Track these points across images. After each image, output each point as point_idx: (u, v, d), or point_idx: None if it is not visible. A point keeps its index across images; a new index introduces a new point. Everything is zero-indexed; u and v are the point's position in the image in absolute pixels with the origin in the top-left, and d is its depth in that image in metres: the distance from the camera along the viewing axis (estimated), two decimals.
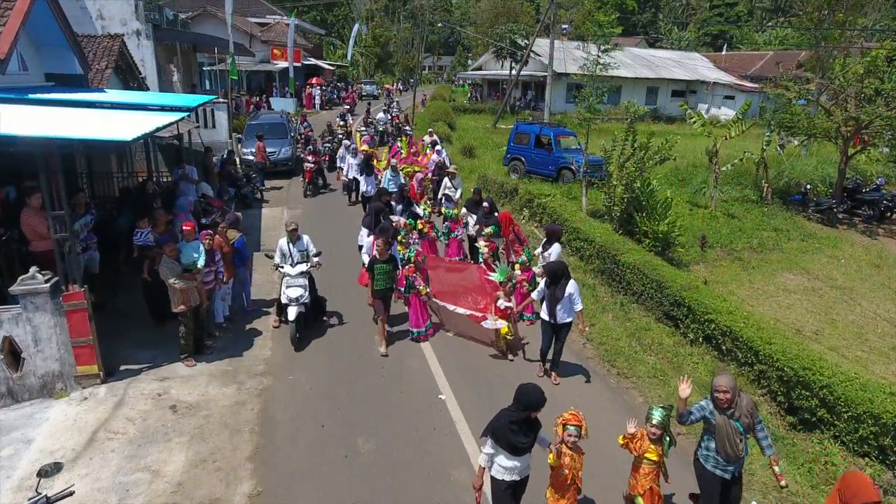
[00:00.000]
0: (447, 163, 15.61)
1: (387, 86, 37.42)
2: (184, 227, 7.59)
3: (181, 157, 12.99)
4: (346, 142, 17.06)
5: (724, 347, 8.30)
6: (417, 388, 7.36)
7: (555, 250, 9.15)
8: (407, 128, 21.48)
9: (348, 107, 29.92)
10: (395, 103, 30.82)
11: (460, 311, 8.51)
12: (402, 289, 8.47)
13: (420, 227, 10.62)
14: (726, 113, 34.65)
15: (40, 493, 3.62)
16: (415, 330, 8.60)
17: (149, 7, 18.53)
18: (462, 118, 33.99)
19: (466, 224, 11.33)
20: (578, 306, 7.38)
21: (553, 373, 7.77)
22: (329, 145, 18.83)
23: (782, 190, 18.64)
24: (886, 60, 15.78)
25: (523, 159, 19.68)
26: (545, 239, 9.52)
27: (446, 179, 13.21)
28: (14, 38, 9.28)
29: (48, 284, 6.53)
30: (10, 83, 9.59)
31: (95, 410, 6.57)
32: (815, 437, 6.89)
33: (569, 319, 7.44)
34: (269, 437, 6.26)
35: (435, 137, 18.42)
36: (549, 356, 7.78)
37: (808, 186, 17.91)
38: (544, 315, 7.55)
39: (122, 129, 6.83)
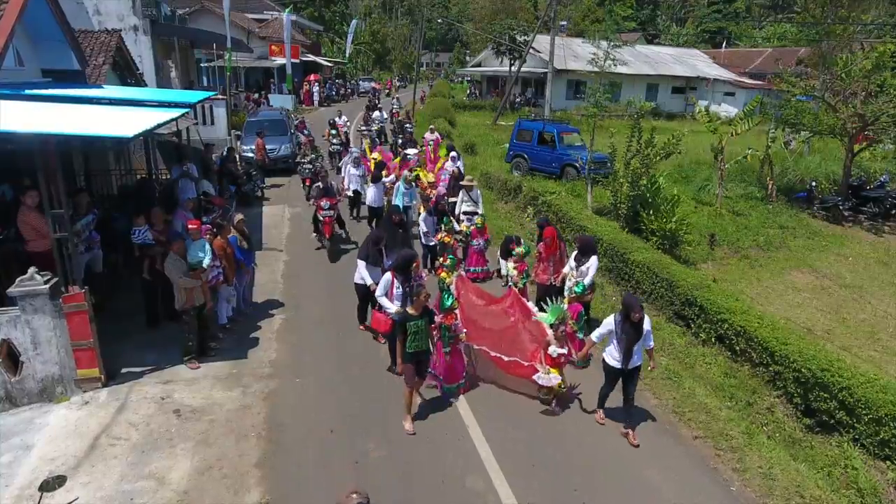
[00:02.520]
0: (461, 171, 13.40)
1: (374, 84, 36.42)
2: (189, 226, 7.40)
3: (182, 155, 12.76)
4: (351, 148, 15.88)
5: (737, 348, 8.15)
6: (429, 391, 7.14)
7: (592, 266, 8.24)
8: (408, 125, 20.67)
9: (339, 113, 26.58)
10: (395, 99, 30.54)
11: (503, 357, 7.04)
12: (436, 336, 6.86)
13: (445, 239, 9.98)
14: (727, 110, 34.50)
15: None
16: (451, 385, 7.05)
17: (146, 2, 18.27)
18: (462, 115, 33.76)
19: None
20: (650, 344, 6.43)
21: (630, 431, 6.46)
22: (310, 166, 15.21)
23: (787, 187, 18.51)
24: (893, 57, 15.64)
25: (526, 156, 19.47)
26: (576, 252, 8.43)
27: (462, 193, 11.71)
28: (10, 32, 9.06)
29: (47, 286, 6.33)
30: (6, 79, 9.36)
31: (97, 415, 6.38)
32: (834, 441, 6.75)
33: (640, 362, 6.40)
34: (276, 443, 6.08)
35: (454, 153, 14.68)
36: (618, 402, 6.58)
37: (813, 184, 17.79)
38: (611, 360, 6.36)
39: (124, 125, 6.63)
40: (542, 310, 7.50)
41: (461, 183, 11.97)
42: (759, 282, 12.27)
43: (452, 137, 23.81)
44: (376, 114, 23.62)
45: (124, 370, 7.22)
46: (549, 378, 6.67)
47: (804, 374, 7.03)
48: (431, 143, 17.65)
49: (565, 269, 8.64)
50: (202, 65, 33.90)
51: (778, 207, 16.86)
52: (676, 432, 6.75)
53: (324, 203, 11.41)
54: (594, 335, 6.56)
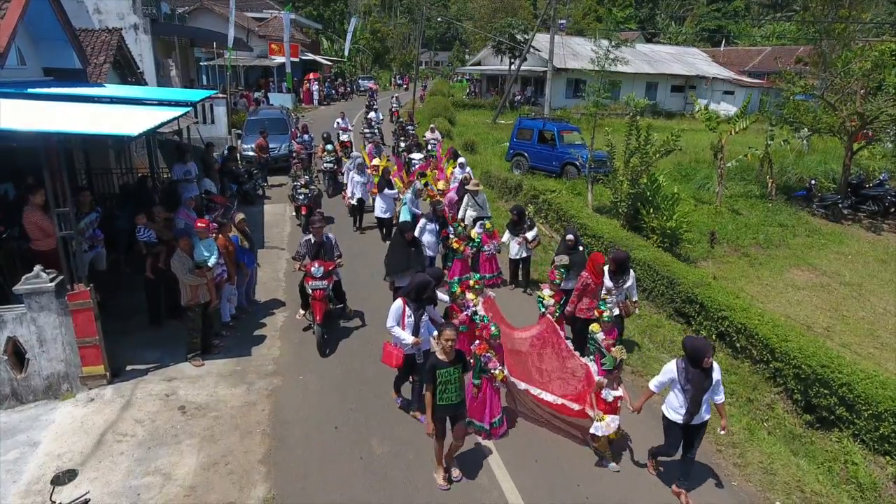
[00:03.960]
0: (470, 176, 12.93)
1: (371, 84, 35.60)
2: (198, 225, 7.43)
3: (183, 154, 12.78)
4: (354, 153, 14.57)
5: (738, 345, 8.21)
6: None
7: (632, 284, 7.68)
8: (410, 127, 20.20)
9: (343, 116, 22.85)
10: (395, 98, 30.49)
11: (546, 397, 6.30)
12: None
13: (455, 245, 9.60)
14: (726, 108, 34.54)
15: (54, 502, 3.49)
16: (484, 425, 6.21)
17: (146, 1, 18.28)
18: (461, 113, 33.81)
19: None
20: (721, 398, 5.46)
21: (683, 491, 5.60)
22: (306, 192, 12.79)
23: (786, 185, 18.57)
24: (893, 55, 15.68)
25: (526, 155, 19.53)
26: (610, 270, 7.60)
27: (467, 197, 11.25)
28: (12, 31, 9.11)
29: (53, 283, 6.37)
30: (8, 77, 9.39)
31: (102, 412, 6.42)
32: (834, 436, 6.81)
33: (708, 416, 5.46)
34: (281, 439, 6.13)
35: (462, 160, 14.19)
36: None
37: (813, 182, 17.85)
38: (672, 412, 5.43)
39: (127, 124, 6.66)
40: (576, 347, 6.67)
41: (467, 187, 11.51)
42: (758, 280, 12.32)
43: (453, 136, 23.88)
44: (372, 115, 22.32)
45: (129, 367, 7.26)
46: (606, 425, 5.81)
47: (804, 370, 7.09)
48: (433, 142, 17.59)
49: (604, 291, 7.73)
50: (202, 63, 33.92)
51: (777, 206, 16.93)
52: None
53: (315, 268, 7.69)
54: (653, 384, 5.59)
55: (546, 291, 7.65)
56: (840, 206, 16.92)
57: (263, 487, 5.47)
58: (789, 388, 7.36)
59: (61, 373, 6.65)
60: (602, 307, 6.79)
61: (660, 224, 12.30)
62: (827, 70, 19.64)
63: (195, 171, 12.36)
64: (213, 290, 7.38)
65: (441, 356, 5.22)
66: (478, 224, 10.27)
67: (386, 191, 12.08)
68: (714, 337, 8.63)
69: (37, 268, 6.41)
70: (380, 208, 12.22)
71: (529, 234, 10.06)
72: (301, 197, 12.67)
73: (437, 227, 9.72)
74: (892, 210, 17.21)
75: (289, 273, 10.71)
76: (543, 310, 7.41)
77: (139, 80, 16.68)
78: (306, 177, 13.11)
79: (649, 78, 39.81)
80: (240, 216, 9.17)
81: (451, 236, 9.75)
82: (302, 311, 8.49)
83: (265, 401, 6.78)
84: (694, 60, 44.09)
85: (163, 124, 8.08)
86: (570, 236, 8.61)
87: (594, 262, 7.64)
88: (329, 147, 15.76)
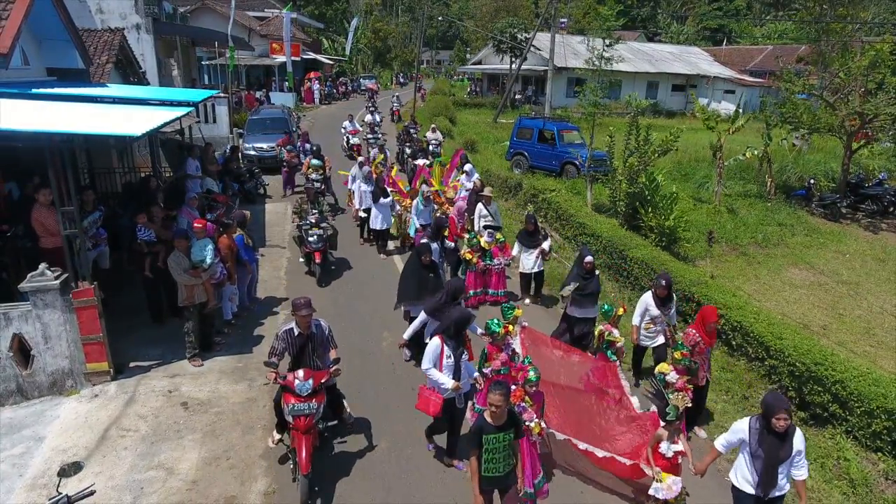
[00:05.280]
0: (483, 183, 12.03)
1: (369, 85, 34.87)
2: (195, 225, 7.52)
3: (192, 149, 12.89)
4: (360, 159, 13.32)
5: (734, 343, 8.30)
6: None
7: (675, 308, 7.33)
8: (413, 130, 19.64)
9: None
10: (395, 97, 30.52)
11: (597, 452, 5.48)
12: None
13: (467, 256, 9.18)
14: (727, 107, 34.55)
15: (61, 493, 3.59)
16: (528, 488, 5.31)
17: (148, 1, 18.37)
18: (462, 113, 33.89)
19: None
20: (803, 473, 4.51)
21: None
22: (320, 233, 10.23)
23: (785, 185, 18.64)
24: (893, 54, 15.74)
25: (526, 154, 19.63)
26: (658, 295, 7.02)
27: (480, 206, 10.49)
28: (17, 32, 9.18)
29: (58, 281, 6.47)
30: (12, 78, 9.49)
31: (106, 408, 6.53)
32: (828, 433, 6.90)
33: (786, 489, 4.55)
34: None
35: (468, 166, 13.09)
36: None
37: (812, 181, 17.91)
38: (742, 481, 4.62)
39: (131, 124, 6.77)
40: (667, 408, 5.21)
41: (480, 194, 10.75)
42: (756, 278, 12.40)
43: (454, 136, 23.95)
44: (368, 117, 21.16)
45: (132, 364, 7.37)
46: (668, 487, 5.02)
47: (799, 368, 7.18)
48: (434, 142, 17.51)
49: (635, 320, 7.23)
50: (203, 63, 34.02)
51: (776, 205, 16.99)
52: None
53: (300, 383, 5.28)
54: (719, 444, 4.79)
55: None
56: (839, 205, 17.01)
57: (264, 482, 5.58)
58: (784, 386, 7.43)
59: (66, 369, 6.76)
60: (682, 348, 6.00)
61: (658, 223, 12.39)
62: (826, 69, 19.68)
63: (193, 168, 12.48)
64: (211, 290, 7.44)
65: (489, 419, 4.45)
66: (487, 233, 9.61)
67: (381, 200, 11.29)
68: None
69: (42, 266, 6.52)
70: (377, 220, 11.38)
71: (546, 245, 9.36)
72: (313, 239, 9.99)
73: (439, 248, 8.58)
74: (891, 209, 17.30)
75: (290, 271, 10.81)
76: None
77: (141, 80, 16.79)
78: (316, 212, 10.45)
79: (650, 77, 39.86)
80: (245, 213, 9.30)
81: (464, 247, 9.30)
82: (277, 436, 5.89)
83: (266, 397, 6.87)
84: (695, 59, 44.11)
85: (165, 124, 8.18)
86: (588, 259, 7.57)
87: (705, 319, 6.29)
88: (316, 162, 13.30)
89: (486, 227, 9.81)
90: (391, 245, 12.19)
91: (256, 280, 9.70)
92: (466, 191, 11.97)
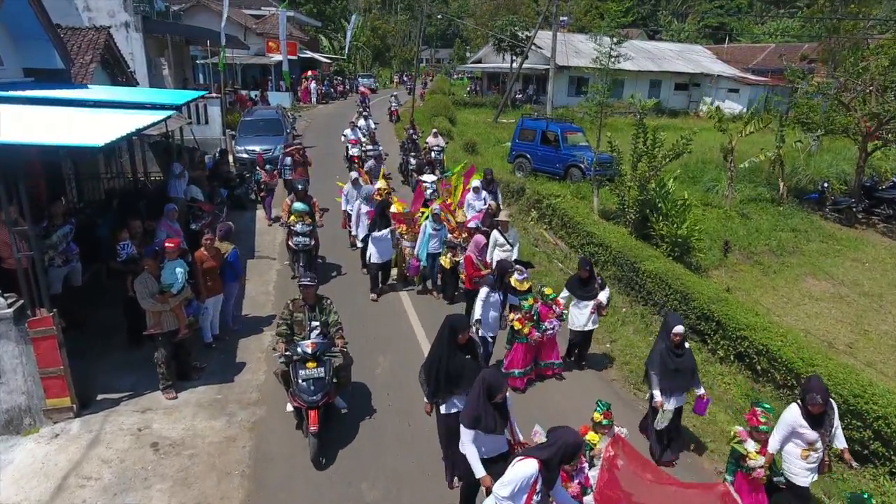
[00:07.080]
0: (500, 205, 10.48)
1: (362, 89, 33.66)
2: (166, 245, 6.80)
3: (174, 156, 12.19)
4: (352, 175, 11.40)
5: (759, 367, 7.63)
6: (430, 422, 5.98)
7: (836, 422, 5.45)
8: (416, 136, 18.17)
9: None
10: (393, 97, 29.83)
11: None
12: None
13: (518, 325, 7.04)
14: (730, 106, 33.90)
15: None
16: None
17: None
18: (462, 112, 33.18)
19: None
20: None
21: None
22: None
23: (797, 188, 17.96)
24: None
25: (529, 156, 18.91)
26: (814, 409, 4.84)
27: (495, 234, 8.75)
28: None
29: (11, 309, 5.79)
30: None
31: (67, 450, 5.85)
32: (868, 473, 6.24)
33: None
34: (262, 483, 5.54)
35: (477, 183, 11.13)
36: None
37: (825, 184, 17.24)
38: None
39: (95, 132, 6.07)
40: None
41: (496, 219, 8.98)
42: (774, 290, 11.75)
43: (454, 136, 23.23)
44: (361, 122, 19.22)
45: (100, 397, 6.68)
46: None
47: (834, 399, 6.49)
48: (437, 149, 16.54)
49: (773, 446, 4.95)
50: (198, 62, 33.31)
51: (789, 209, 16.33)
52: (699, 466, 6.21)
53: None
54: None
55: (750, 445, 4.93)
56: (854, 209, 16.33)
57: None
58: None
59: (23, 406, 6.08)
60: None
61: (670, 232, 11.71)
62: (838, 69, 18.97)
63: (178, 170, 11.75)
64: (182, 317, 6.74)
65: None
66: (516, 270, 7.27)
67: (374, 234, 9.24)
68: (733, 358, 8.06)
69: None
70: (376, 252, 9.33)
71: (603, 297, 7.41)
72: (311, 391, 5.92)
73: (502, 298, 6.89)
74: None
75: (279, 286, 10.12)
76: (740, 469, 4.94)
77: (130, 80, 16.12)
78: (317, 326, 6.54)
79: (653, 76, 39.12)
80: (229, 224, 8.57)
81: (513, 314, 7.13)
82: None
83: (246, 435, 6.20)
84: (698, 58, 43.38)
85: (139, 131, 7.50)
86: (677, 330, 5.91)
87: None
88: (300, 207, 9.59)
89: (516, 263, 7.45)
90: (393, 272, 10.24)
91: (242, 296, 9.03)
92: (476, 212, 10.30)
